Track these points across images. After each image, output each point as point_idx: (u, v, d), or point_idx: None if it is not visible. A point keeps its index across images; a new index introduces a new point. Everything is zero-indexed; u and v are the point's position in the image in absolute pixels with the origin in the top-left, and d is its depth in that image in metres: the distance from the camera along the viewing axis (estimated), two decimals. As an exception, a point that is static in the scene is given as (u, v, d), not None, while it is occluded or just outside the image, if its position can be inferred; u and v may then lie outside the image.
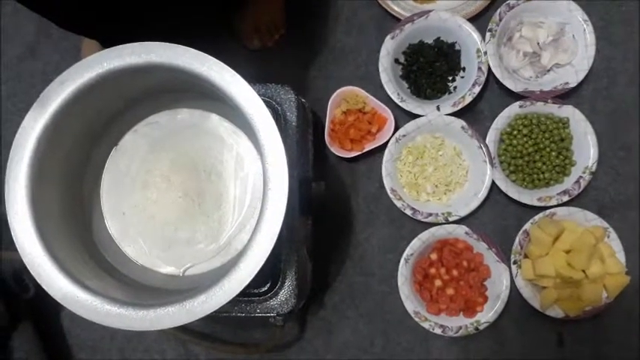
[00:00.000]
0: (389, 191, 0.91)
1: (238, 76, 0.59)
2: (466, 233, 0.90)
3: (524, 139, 0.90)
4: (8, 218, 0.59)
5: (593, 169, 0.89)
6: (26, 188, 0.58)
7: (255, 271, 0.57)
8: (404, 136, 0.91)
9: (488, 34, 0.90)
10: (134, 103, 0.70)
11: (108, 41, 0.65)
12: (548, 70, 0.93)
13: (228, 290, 0.57)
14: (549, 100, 0.90)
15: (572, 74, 0.91)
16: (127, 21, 0.72)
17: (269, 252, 0.58)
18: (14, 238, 0.58)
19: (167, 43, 0.59)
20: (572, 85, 0.91)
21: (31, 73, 1.01)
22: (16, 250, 0.59)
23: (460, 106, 0.90)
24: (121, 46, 0.59)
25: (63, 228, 0.63)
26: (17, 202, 0.59)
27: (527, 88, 0.90)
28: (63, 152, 0.63)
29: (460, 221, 0.91)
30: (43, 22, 0.72)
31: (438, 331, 0.88)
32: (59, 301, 0.58)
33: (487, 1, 0.93)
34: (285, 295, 0.72)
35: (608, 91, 0.94)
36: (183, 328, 0.91)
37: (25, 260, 0.58)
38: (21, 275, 0.87)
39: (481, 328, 0.88)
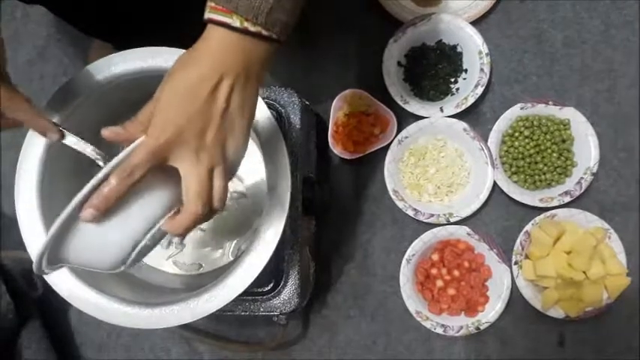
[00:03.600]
0: (391, 192, 0.92)
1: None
2: (468, 234, 0.91)
3: (526, 140, 0.91)
4: (19, 222, 0.60)
5: (595, 170, 0.90)
6: (36, 192, 0.60)
7: (258, 271, 0.59)
8: (406, 137, 0.92)
9: None
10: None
11: (121, 44, 0.67)
12: None
13: (232, 290, 0.59)
14: (550, 102, 0.91)
15: None
16: (141, 27, 0.74)
17: (272, 252, 0.59)
18: (25, 241, 0.60)
19: (173, 48, 0.61)
20: None
21: (41, 75, 1.03)
22: (24, 249, 0.61)
23: (463, 107, 0.91)
24: (127, 50, 0.61)
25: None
26: (27, 206, 0.60)
27: None
28: (72, 154, 0.65)
29: (462, 222, 0.92)
30: (53, 27, 0.74)
31: (439, 330, 0.89)
32: (67, 299, 0.59)
33: (489, 4, 0.94)
34: (288, 295, 0.74)
35: (610, 93, 0.94)
36: (188, 326, 0.92)
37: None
38: (30, 274, 0.89)
39: (482, 327, 0.89)
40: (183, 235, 0.47)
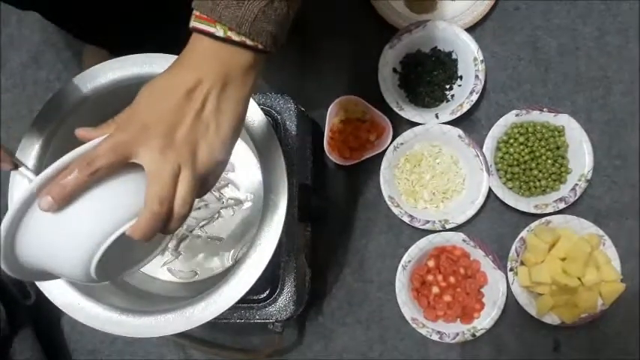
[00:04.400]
0: (386, 198, 0.92)
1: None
2: (463, 240, 0.91)
3: (521, 147, 0.91)
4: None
5: (589, 176, 0.90)
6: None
7: (255, 279, 0.59)
8: (402, 144, 0.92)
9: None
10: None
11: (115, 50, 0.67)
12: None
13: (227, 298, 0.58)
14: (545, 109, 0.91)
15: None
16: (135, 33, 0.74)
17: (268, 260, 0.59)
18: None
19: (169, 55, 0.61)
20: None
21: (35, 80, 1.02)
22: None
23: (458, 114, 0.91)
24: (124, 56, 0.60)
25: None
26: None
27: None
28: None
29: (457, 228, 0.92)
30: (47, 32, 0.74)
31: (435, 337, 0.89)
32: (60, 307, 0.58)
33: (485, 11, 0.94)
34: (283, 302, 0.73)
35: (604, 100, 0.95)
36: (183, 333, 0.92)
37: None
38: (22, 282, 0.88)
39: (478, 334, 0.89)
40: (144, 240, 0.43)
